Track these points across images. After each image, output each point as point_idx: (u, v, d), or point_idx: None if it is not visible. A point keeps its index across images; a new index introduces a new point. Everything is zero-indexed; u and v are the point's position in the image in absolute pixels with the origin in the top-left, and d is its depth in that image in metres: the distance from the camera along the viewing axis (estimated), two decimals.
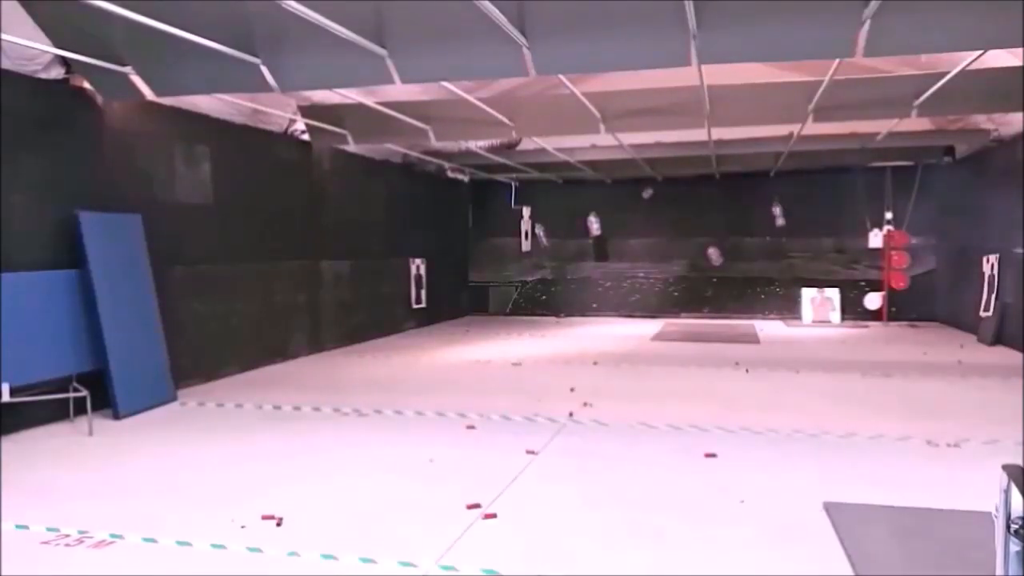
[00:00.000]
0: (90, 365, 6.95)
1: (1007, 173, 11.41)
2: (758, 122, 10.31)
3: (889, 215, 15.27)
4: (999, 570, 2.17)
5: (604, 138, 10.77)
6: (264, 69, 6.42)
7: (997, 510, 2.26)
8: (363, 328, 12.65)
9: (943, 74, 7.77)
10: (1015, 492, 1.96)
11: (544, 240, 17.40)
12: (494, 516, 4.41)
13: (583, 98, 8.59)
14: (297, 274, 10.86)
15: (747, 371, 9.63)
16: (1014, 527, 1.92)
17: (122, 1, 5.22)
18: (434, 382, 9.05)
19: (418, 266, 14.74)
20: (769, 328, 14.95)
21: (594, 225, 17.11)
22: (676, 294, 17.05)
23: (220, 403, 7.75)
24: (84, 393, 6.60)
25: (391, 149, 13.06)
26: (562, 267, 17.56)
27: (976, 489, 4.49)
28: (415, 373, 9.78)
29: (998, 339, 11.68)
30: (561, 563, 3.78)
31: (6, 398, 6.09)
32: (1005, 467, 2.09)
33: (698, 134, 11.01)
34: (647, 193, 16.71)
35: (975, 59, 7.03)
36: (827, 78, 7.79)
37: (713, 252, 16.54)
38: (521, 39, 5.74)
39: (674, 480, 5.12)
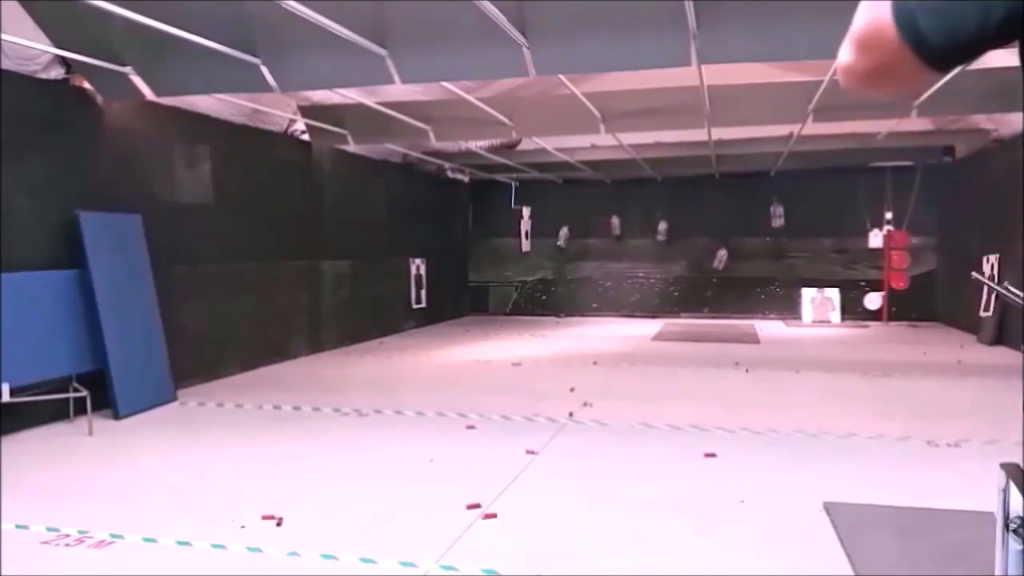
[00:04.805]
0: (90, 365, 6.95)
1: (1007, 173, 11.41)
2: (758, 122, 10.30)
3: (889, 215, 15.27)
4: (998, 570, 2.17)
5: (604, 138, 10.77)
6: (264, 69, 6.42)
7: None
8: (363, 328, 12.65)
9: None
10: (1013, 491, 1.96)
11: (564, 241, 17.31)
12: (494, 516, 4.41)
13: (583, 98, 8.59)
14: (297, 274, 10.86)
15: (747, 371, 9.63)
16: (1013, 526, 1.92)
17: (122, 1, 5.23)
18: (434, 382, 9.05)
19: (418, 266, 14.74)
20: (769, 328, 14.95)
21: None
22: (676, 294, 17.05)
23: (220, 403, 7.75)
24: (84, 393, 6.59)
25: (391, 149, 13.05)
26: (562, 267, 17.57)
27: (976, 489, 4.48)
28: (415, 373, 9.78)
29: (998, 339, 11.68)
30: (561, 563, 3.78)
31: (6, 398, 6.08)
32: (1003, 465, 2.08)
33: (698, 134, 11.00)
34: None
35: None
36: (827, 78, 7.79)
37: (722, 254, 16.47)
38: (521, 39, 5.74)
39: (674, 480, 5.12)
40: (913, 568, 3.63)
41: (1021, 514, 1.89)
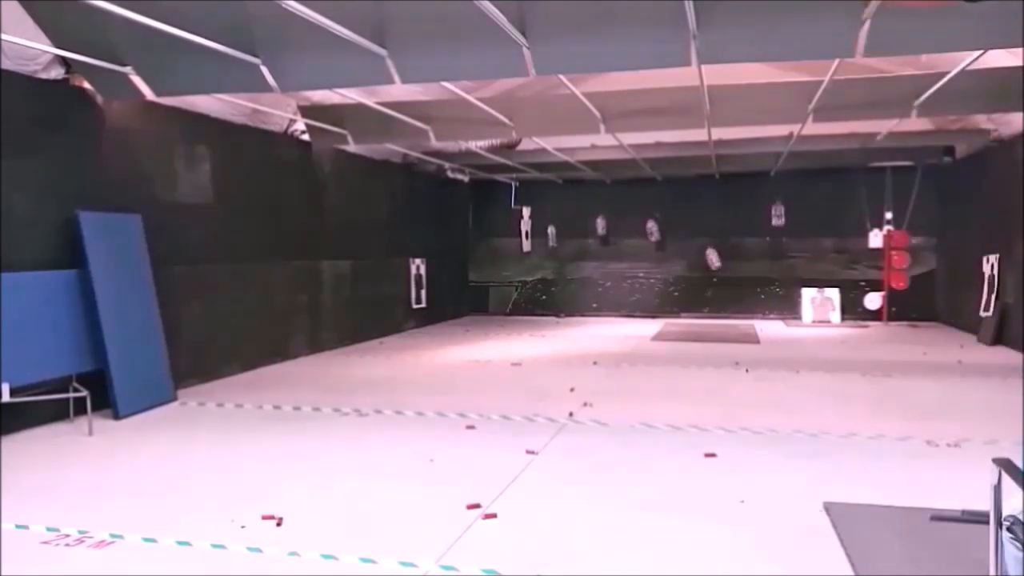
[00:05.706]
0: (90, 365, 6.95)
1: (1007, 173, 11.41)
2: (758, 122, 10.31)
3: (889, 215, 15.27)
4: (992, 568, 2.16)
5: (604, 138, 10.77)
6: (264, 69, 6.42)
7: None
8: (363, 328, 12.65)
9: (943, 74, 7.77)
10: (1006, 486, 1.95)
11: (553, 241, 17.32)
12: (494, 516, 4.41)
13: (583, 98, 8.59)
14: (297, 274, 10.86)
15: (747, 371, 9.63)
16: (1006, 524, 1.91)
17: (122, 1, 5.23)
18: (434, 382, 9.05)
19: (418, 266, 14.74)
20: (769, 328, 14.95)
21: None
22: (676, 294, 17.05)
23: (220, 403, 7.76)
24: (84, 393, 6.60)
25: (391, 149, 13.06)
26: (562, 267, 17.57)
27: (976, 489, 4.48)
28: (415, 373, 9.78)
29: (998, 339, 11.68)
30: (561, 563, 3.78)
31: (6, 398, 6.09)
32: (996, 460, 2.07)
33: (698, 134, 11.01)
34: None
35: (975, 59, 7.03)
36: (827, 78, 7.79)
37: (712, 254, 16.50)
38: (521, 39, 5.75)
39: (674, 480, 5.13)
40: (913, 568, 3.63)
41: (1015, 514, 1.88)
